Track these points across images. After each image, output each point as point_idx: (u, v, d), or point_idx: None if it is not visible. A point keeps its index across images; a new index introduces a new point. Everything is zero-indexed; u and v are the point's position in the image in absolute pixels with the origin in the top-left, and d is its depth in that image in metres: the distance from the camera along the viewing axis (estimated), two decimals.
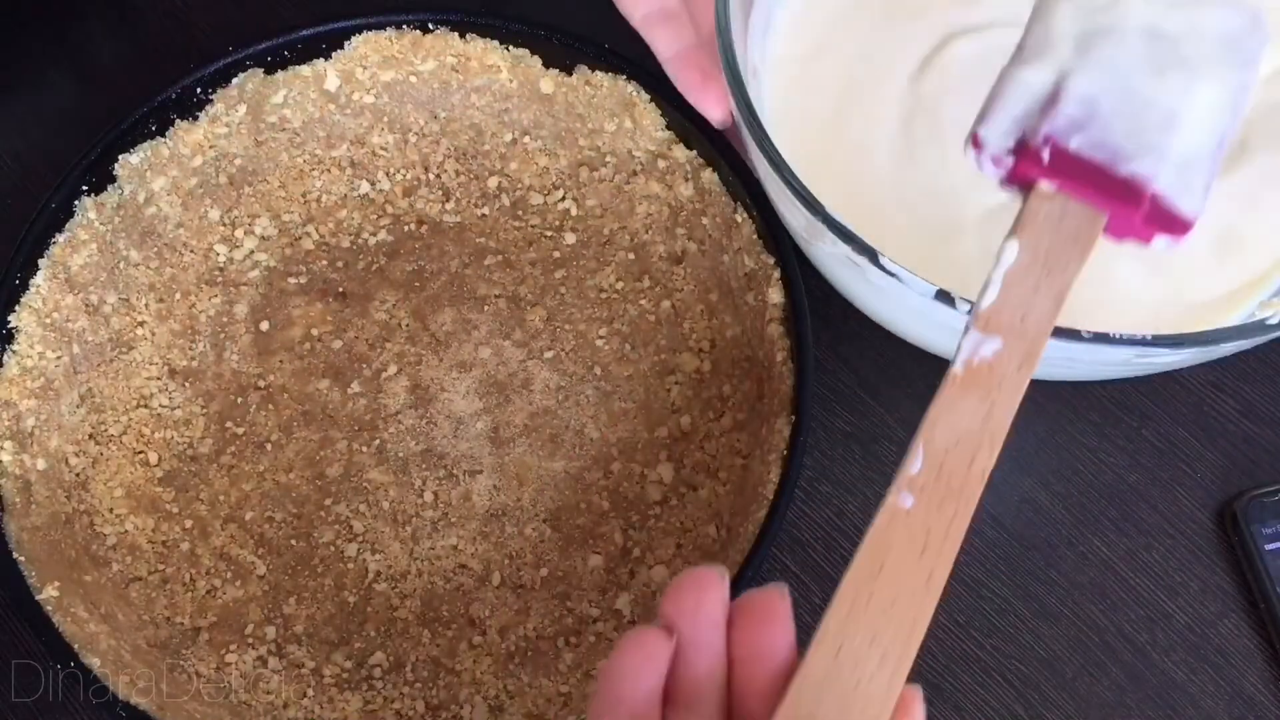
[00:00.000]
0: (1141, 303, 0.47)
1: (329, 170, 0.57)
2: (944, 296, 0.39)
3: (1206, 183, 0.34)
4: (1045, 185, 0.34)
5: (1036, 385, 0.56)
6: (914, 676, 0.51)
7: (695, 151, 0.53)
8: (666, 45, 0.49)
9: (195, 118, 0.54)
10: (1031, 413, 0.55)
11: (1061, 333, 0.37)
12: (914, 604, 0.30)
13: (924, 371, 0.56)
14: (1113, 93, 0.34)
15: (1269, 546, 0.51)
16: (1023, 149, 0.34)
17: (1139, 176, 0.33)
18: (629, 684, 0.31)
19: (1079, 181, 0.33)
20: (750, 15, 0.48)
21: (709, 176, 0.53)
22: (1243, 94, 0.35)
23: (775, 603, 0.32)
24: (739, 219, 0.51)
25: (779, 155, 0.42)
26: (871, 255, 0.40)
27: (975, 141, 0.35)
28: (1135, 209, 0.33)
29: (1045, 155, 0.33)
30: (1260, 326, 0.40)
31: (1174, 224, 0.33)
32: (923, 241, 0.47)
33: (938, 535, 0.30)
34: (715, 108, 0.49)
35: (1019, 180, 0.35)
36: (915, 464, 0.31)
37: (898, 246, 0.42)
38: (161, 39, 0.64)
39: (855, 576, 0.30)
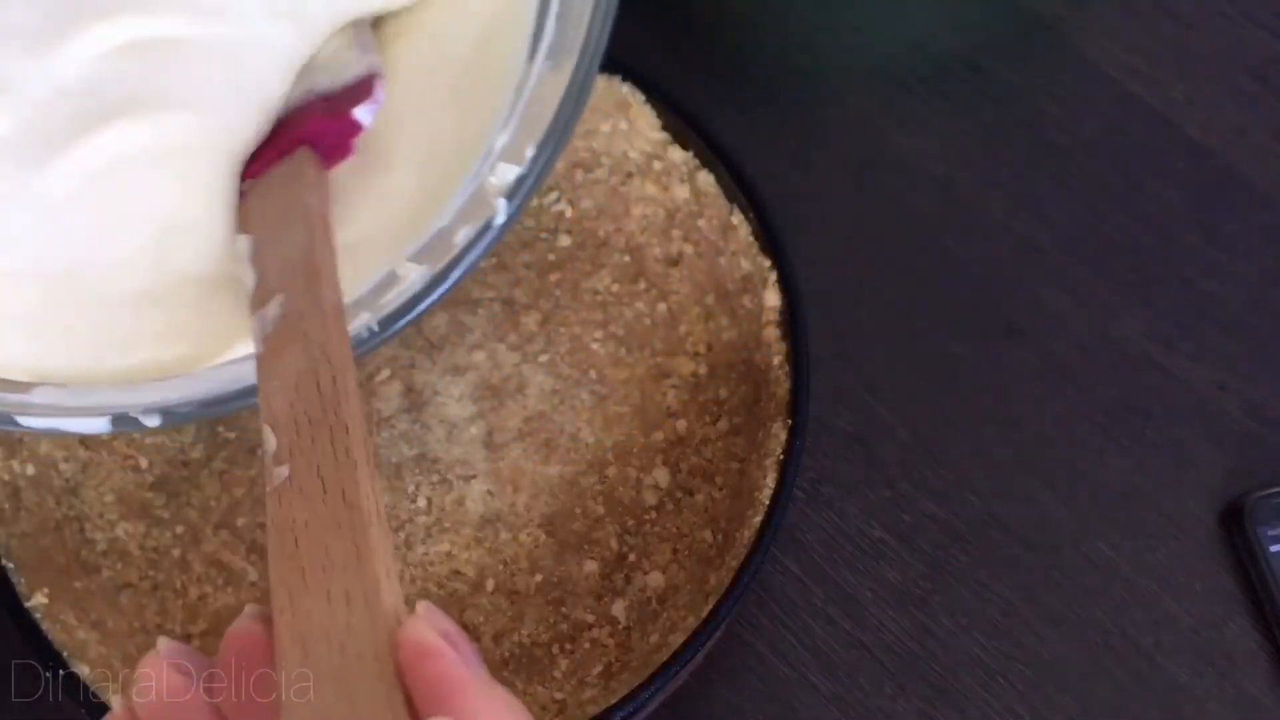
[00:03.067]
0: None
1: None
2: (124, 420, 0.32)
3: None
4: None
5: (1036, 385, 0.55)
6: (914, 679, 0.50)
7: (691, 153, 0.53)
8: None
9: None
10: (1034, 412, 0.55)
11: None
12: (346, 534, 0.27)
13: (927, 371, 0.56)
14: None
15: (1274, 548, 0.51)
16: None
17: None
18: None
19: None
20: None
21: (705, 178, 0.52)
22: None
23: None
24: (735, 221, 0.51)
25: None
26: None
27: None
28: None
29: None
30: None
31: None
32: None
33: (329, 464, 0.28)
34: None
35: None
36: (270, 444, 0.29)
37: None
38: None
39: (278, 571, 0.27)
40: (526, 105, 0.34)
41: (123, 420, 0.31)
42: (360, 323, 0.34)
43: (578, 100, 0.34)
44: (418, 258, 0.34)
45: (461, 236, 0.34)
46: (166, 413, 0.32)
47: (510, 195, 0.34)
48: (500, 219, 0.34)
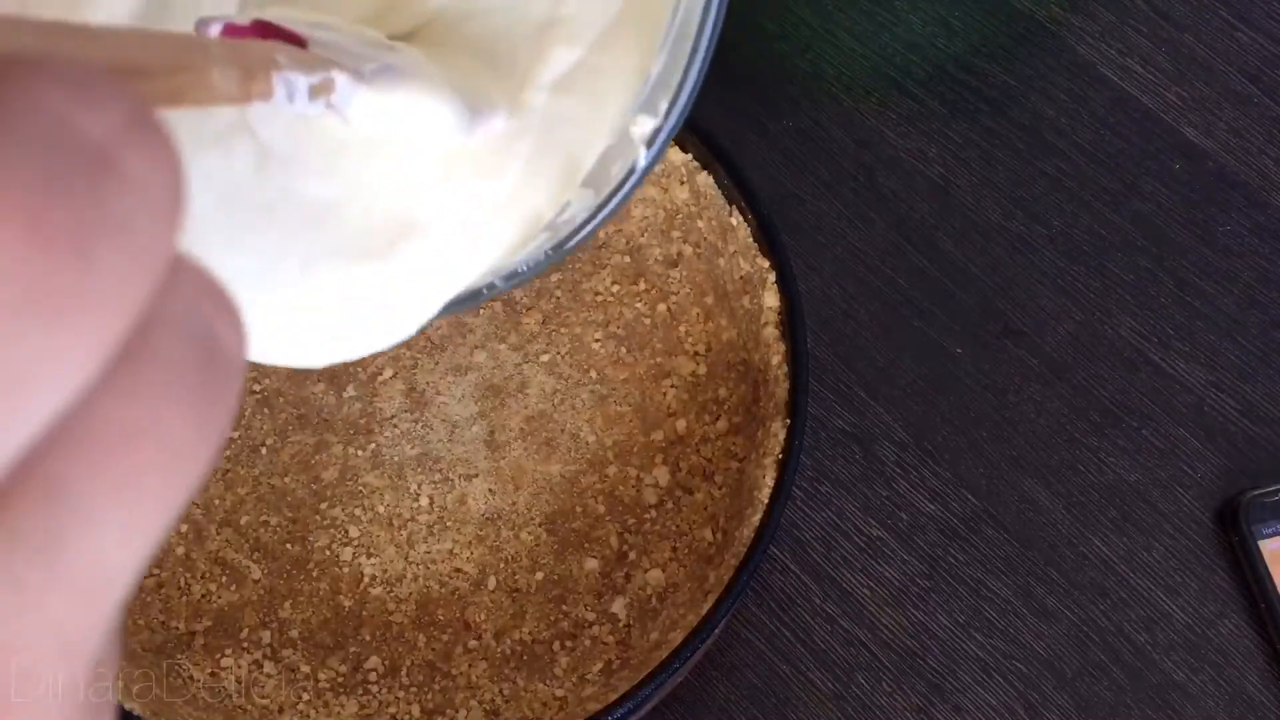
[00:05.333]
0: None
1: None
2: None
3: None
4: None
5: (1032, 384, 0.56)
6: (912, 676, 0.51)
7: (690, 155, 0.53)
8: None
9: None
10: (1032, 412, 0.55)
11: None
12: None
13: (924, 371, 0.56)
14: None
15: (1269, 546, 0.51)
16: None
17: None
18: None
19: None
20: None
21: (704, 180, 0.53)
22: None
23: None
24: (734, 222, 0.51)
25: None
26: None
27: None
28: None
29: None
30: None
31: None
32: None
33: None
34: None
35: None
36: None
37: None
38: None
39: None
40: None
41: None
42: (537, 245, 0.34)
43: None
44: (585, 183, 0.35)
45: (617, 170, 0.34)
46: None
47: (649, 143, 0.34)
48: (643, 162, 0.34)
